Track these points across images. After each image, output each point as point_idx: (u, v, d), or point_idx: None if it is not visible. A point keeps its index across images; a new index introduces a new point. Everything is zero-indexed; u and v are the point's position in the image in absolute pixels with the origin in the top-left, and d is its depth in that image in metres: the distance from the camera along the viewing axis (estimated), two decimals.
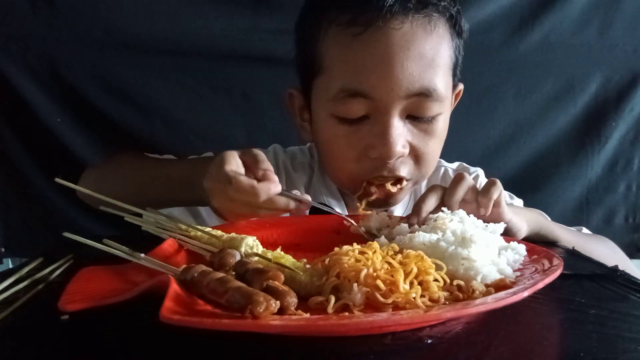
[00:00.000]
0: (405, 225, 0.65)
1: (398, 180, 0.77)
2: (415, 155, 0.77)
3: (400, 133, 0.73)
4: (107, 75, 1.20)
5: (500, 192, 0.67)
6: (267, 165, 0.64)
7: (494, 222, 0.63)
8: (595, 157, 1.36)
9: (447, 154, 1.00)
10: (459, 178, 0.68)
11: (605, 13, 1.31)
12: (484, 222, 0.61)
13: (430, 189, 0.69)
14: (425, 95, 0.72)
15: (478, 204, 0.66)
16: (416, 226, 0.64)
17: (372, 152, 0.74)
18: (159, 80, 1.22)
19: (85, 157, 1.20)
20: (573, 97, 1.34)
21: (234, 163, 0.63)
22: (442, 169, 0.99)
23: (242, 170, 0.64)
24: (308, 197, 0.66)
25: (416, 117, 0.74)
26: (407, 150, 0.75)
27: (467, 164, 1.05)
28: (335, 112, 0.75)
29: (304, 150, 1.00)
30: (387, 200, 0.80)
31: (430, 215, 0.63)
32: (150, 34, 1.19)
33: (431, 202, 0.67)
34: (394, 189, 0.77)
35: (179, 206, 0.86)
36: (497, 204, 0.67)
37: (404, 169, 0.76)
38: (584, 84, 1.34)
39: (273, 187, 0.61)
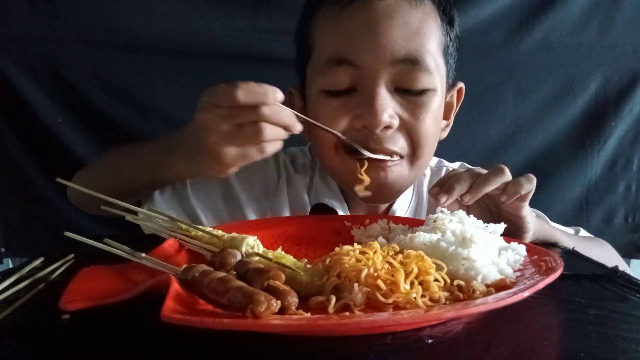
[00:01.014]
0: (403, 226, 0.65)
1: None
2: (407, 129, 0.75)
3: (388, 103, 0.72)
4: (107, 75, 1.20)
5: (529, 190, 0.66)
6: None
7: (510, 213, 0.63)
8: (595, 157, 1.36)
9: (447, 153, 1.01)
10: (500, 171, 0.67)
11: (605, 13, 1.31)
12: (502, 210, 0.60)
13: (466, 172, 0.68)
14: (411, 62, 0.72)
15: (504, 191, 0.65)
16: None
17: (358, 122, 0.73)
18: (159, 80, 1.22)
19: (85, 157, 1.20)
20: (573, 97, 1.34)
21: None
22: (444, 169, 0.99)
23: None
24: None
25: (405, 90, 0.74)
26: (395, 122, 0.73)
27: (467, 163, 1.05)
28: (323, 84, 0.75)
29: (305, 151, 1.00)
30: (381, 185, 0.77)
31: (430, 216, 0.63)
32: (150, 34, 1.19)
33: (464, 185, 0.66)
34: (382, 164, 0.75)
35: (155, 185, 0.83)
36: (522, 198, 0.66)
37: (393, 143, 0.75)
38: (583, 84, 1.34)
39: (277, 90, 0.60)
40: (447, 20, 0.78)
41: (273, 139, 0.61)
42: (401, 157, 0.77)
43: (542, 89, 1.34)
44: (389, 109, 0.72)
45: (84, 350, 0.38)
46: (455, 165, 1.02)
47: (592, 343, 0.39)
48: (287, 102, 0.88)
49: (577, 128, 1.36)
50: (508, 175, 0.67)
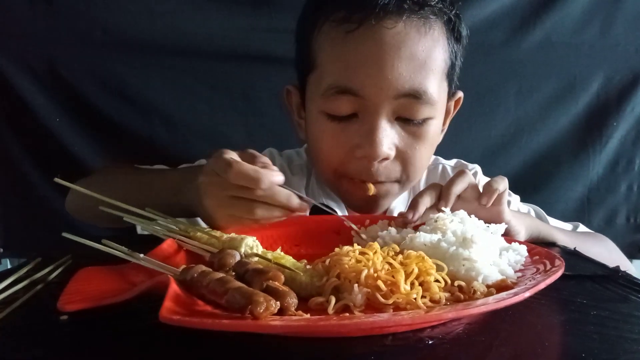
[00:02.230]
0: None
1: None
2: (402, 158, 0.76)
3: (388, 134, 0.72)
4: (107, 75, 1.20)
5: (505, 188, 0.67)
6: (266, 159, 0.62)
7: (493, 222, 0.63)
8: (596, 157, 1.36)
9: (448, 153, 1.00)
10: (460, 173, 0.69)
11: (606, 12, 1.31)
12: (484, 221, 0.61)
13: (429, 186, 0.69)
14: (414, 97, 0.71)
15: (481, 194, 0.66)
16: (411, 225, 0.65)
17: (358, 152, 0.73)
18: (159, 80, 1.22)
19: (85, 157, 1.20)
20: (574, 96, 1.34)
21: (234, 154, 0.61)
22: (440, 167, 0.99)
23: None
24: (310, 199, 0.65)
25: (406, 119, 0.74)
26: (392, 153, 0.74)
27: (468, 163, 1.05)
28: (325, 108, 0.74)
29: (300, 153, 1.00)
30: (372, 201, 0.79)
31: (431, 216, 0.63)
32: (150, 34, 1.19)
33: (428, 198, 0.67)
34: (372, 189, 0.76)
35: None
36: (498, 200, 0.67)
37: (387, 175, 0.76)
38: (585, 83, 1.33)
39: (276, 175, 0.59)
40: (455, 37, 0.76)
41: (266, 218, 0.61)
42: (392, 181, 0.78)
43: (543, 89, 1.33)
44: (388, 141, 0.72)
45: (82, 351, 0.38)
46: (452, 162, 1.02)
47: (593, 344, 0.38)
48: (284, 101, 0.89)
49: (579, 128, 1.35)
50: (470, 176, 0.69)
